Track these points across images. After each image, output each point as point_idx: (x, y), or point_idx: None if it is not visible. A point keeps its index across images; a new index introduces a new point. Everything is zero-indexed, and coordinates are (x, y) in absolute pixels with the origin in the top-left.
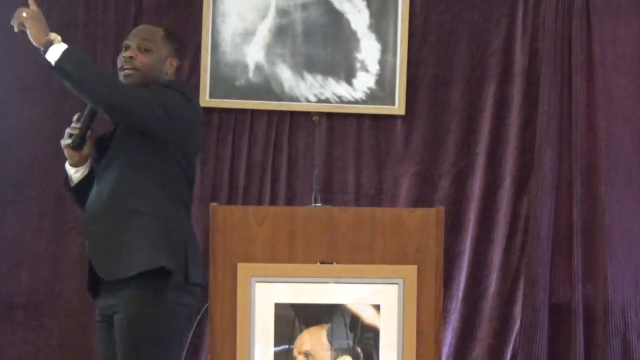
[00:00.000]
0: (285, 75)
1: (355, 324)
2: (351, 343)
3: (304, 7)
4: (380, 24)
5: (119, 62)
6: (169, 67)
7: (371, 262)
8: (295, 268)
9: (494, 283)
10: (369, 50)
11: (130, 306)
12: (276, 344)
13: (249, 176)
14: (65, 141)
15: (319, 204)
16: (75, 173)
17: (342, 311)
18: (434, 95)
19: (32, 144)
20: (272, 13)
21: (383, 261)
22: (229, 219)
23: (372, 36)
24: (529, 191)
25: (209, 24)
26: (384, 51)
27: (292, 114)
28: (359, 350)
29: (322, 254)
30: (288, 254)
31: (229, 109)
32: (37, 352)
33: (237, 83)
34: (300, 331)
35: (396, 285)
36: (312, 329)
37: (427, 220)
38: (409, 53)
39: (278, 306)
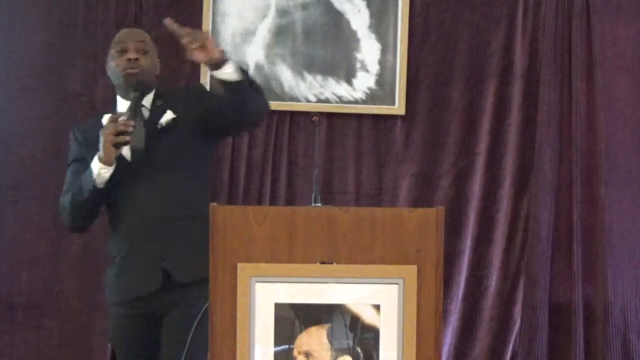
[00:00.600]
0: (285, 75)
1: (355, 324)
2: (351, 343)
3: (304, 7)
4: (380, 24)
5: (120, 64)
6: (158, 70)
7: (371, 262)
8: (295, 268)
9: (494, 283)
10: (369, 50)
11: (206, 301)
12: (276, 344)
13: (249, 176)
14: (118, 138)
15: (319, 204)
16: (106, 172)
17: (342, 311)
18: (434, 95)
19: (32, 144)
20: (272, 13)
21: (383, 261)
22: (229, 219)
23: (372, 36)
24: (529, 191)
25: (209, 24)
26: (384, 51)
27: (292, 114)
28: (359, 350)
29: (322, 254)
30: (288, 254)
31: None
32: (37, 352)
33: None
34: (300, 331)
35: (396, 285)
36: (312, 329)
37: (427, 220)
38: (409, 53)
39: (278, 306)
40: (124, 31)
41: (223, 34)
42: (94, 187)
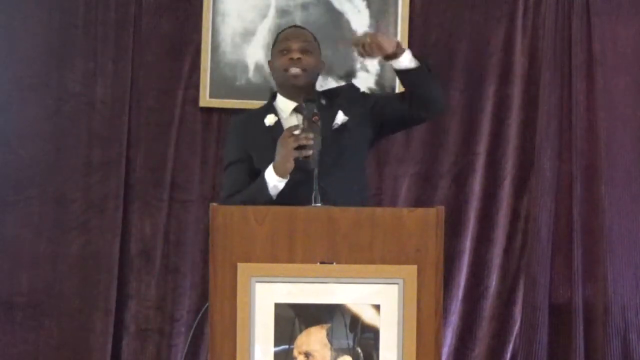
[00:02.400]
0: None
1: (355, 324)
2: (351, 343)
3: (304, 7)
4: (380, 24)
5: (283, 64)
6: (321, 70)
7: (371, 262)
8: (295, 268)
9: (494, 283)
10: None
11: None
12: (276, 344)
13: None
14: (301, 153)
15: (319, 204)
16: (281, 184)
17: (342, 311)
18: None
19: (32, 144)
20: (272, 13)
21: (383, 261)
22: (229, 219)
23: None
24: (529, 191)
25: (209, 24)
26: None
27: None
28: (359, 350)
29: (322, 254)
30: (288, 254)
31: (229, 109)
32: (37, 352)
33: (237, 83)
34: (300, 331)
35: (396, 285)
36: (312, 329)
37: (427, 220)
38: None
39: (278, 306)
40: (287, 30)
41: (223, 34)
42: (270, 198)
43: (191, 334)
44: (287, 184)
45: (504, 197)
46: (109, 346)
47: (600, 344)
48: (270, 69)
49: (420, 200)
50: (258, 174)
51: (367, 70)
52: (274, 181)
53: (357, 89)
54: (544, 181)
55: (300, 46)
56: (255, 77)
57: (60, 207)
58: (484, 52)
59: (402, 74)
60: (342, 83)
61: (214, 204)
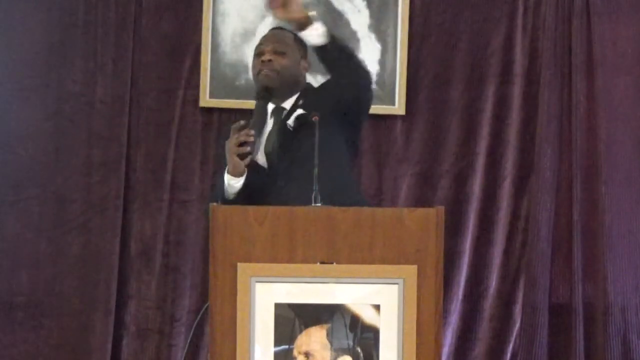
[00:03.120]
0: None
1: (355, 324)
2: (351, 343)
3: (304, 7)
4: (380, 24)
5: (255, 67)
6: (303, 69)
7: (371, 262)
8: (295, 268)
9: (494, 283)
10: (369, 50)
11: None
12: (276, 344)
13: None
14: (240, 149)
15: (319, 204)
16: (236, 183)
17: (342, 311)
18: (434, 95)
19: (32, 144)
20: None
21: (383, 261)
22: (229, 219)
23: (372, 36)
24: (529, 191)
25: (209, 24)
26: (384, 51)
27: None
28: (359, 350)
29: (322, 254)
30: (288, 254)
31: (229, 109)
32: (37, 352)
33: (237, 83)
34: (300, 331)
35: (396, 285)
36: (312, 329)
37: (427, 220)
38: (409, 53)
39: (278, 306)
40: (267, 33)
41: (223, 34)
42: (226, 198)
43: (191, 334)
44: (257, 188)
45: (504, 197)
46: (109, 346)
47: (600, 344)
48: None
49: (420, 200)
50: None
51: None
52: (227, 179)
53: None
54: (544, 181)
55: (273, 48)
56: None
57: (60, 207)
58: (484, 52)
59: (315, 50)
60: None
61: (214, 204)
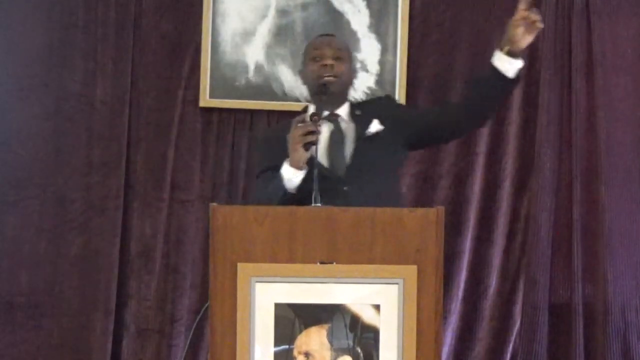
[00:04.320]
0: (285, 75)
1: (355, 324)
2: (351, 343)
3: (304, 7)
4: (380, 24)
5: (314, 71)
6: (353, 78)
7: (371, 262)
8: (295, 268)
9: (494, 283)
10: (369, 50)
11: None
12: (276, 344)
13: (249, 176)
14: (307, 138)
15: (319, 204)
16: (296, 178)
17: (342, 311)
18: (434, 95)
19: (32, 144)
20: (272, 13)
21: (383, 261)
22: (229, 219)
23: (372, 36)
24: (529, 191)
25: (209, 24)
26: (384, 51)
27: (292, 114)
28: (359, 350)
29: (322, 254)
30: (288, 254)
31: (229, 109)
32: (37, 352)
33: (237, 83)
34: (300, 331)
35: (396, 285)
36: (312, 329)
37: (427, 221)
38: (409, 53)
39: (278, 306)
40: (320, 38)
41: (223, 34)
42: (285, 192)
43: (191, 334)
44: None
45: (504, 197)
46: (109, 346)
47: (600, 344)
48: (302, 79)
49: (420, 200)
50: None
51: (367, 70)
52: (289, 174)
53: (394, 100)
54: (544, 181)
55: (333, 53)
56: (255, 77)
57: (60, 207)
58: (484, 52)
59: (497, 75)
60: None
61: (214, 204)
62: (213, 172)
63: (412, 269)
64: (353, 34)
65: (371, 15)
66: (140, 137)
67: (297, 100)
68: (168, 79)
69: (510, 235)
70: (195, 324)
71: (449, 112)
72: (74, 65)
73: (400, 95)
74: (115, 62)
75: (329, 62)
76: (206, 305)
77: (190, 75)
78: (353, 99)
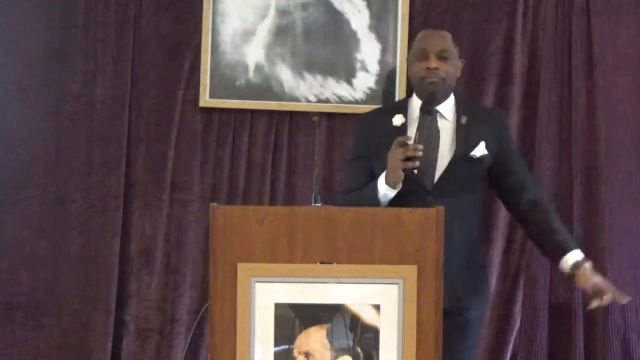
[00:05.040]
0: (285, 75)
1: (355, 324)
2: (351, 343)
3: (304, 7)
4: (380, 24)
5: (420, 72)
6: (459, 71)
7: (371, 262)
8: (295, 268)
9: (494, 283)
10: (369, 50)
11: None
12: (276, 344)
13: (249, 176)
14: (407, 164)
15: (319, 204)
16: (392, 194)
17: (342, 311)
18: None
19: (32, 144)
20: (272, 13)
21: (383, 261)
22: (229, 219)
23: (372, 36)
24: None
25: (209, 24)
26: (384, 51)
27: (292, 114)
28: (359, 350)
29: (322, 254)
30: (288, 254)
31: (229, 109)
32: (37, 352)
33: (237, 83)
34: (300, 331)
35: (396, 285)
36: (312, 329)
37: (427, 220)
38: (409, 53)
39: (278, 306)
40: (426, 33)
41: (223, 34)
42: (379, 206)
43: (191, 334)
44: (398, 193)
45: None
46: (109, 346)
47: (600, 344)
48: (408, 70)
49: None
50: (374, 172)
51: (367, 70)
52: (384, 190)
53: (506, 126)
54: (544, 181)
55: (438, 53)
56: (255, 77)
57: (60, 207)
58: (484, 52)
59: (553, 259)
60: (342, 83)
61: (214, 204)
62: (213, 172)
63: (412, 269)
64: (353, 34)
65: (371, 15)
66: (140, 137)
67: (297, 100)
68: (168, 79)
69: (510, 236)
70: (195, 324)
71: (519, 198)
72: (74, 65)
73: (400, 96)
74: (115, 62)
75: (434, 64)
76: (206, 305)
77: (190, 75)
78: (462, 98)
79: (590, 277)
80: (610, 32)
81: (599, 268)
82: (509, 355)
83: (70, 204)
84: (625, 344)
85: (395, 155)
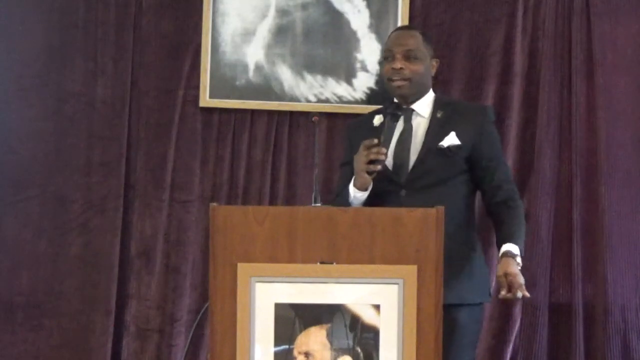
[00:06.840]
0: (285, 75)
1: (355, 324)
2: (351, 343)
3: (304, 7)
4: (380, 24)
5: (386, 72)
6: (432, 69)
7: (371, 262)
8: (295, 268)
9: (494, 283)
10: (369, 50)
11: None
12: (276, 344)
13: (249, 176)
14: (370, 167)
15: (319, 204)
16: (362, 196)
17: (342, 311)
18: None
19: (32, 144)
20: (272, 13)
21: (383, 261)
22: (229, 219)
23: (372, 36)
24: (529, 191)
25: (209, 24)
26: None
27: (292, 114)
28: (359, 350)
29: (322, 254)
30: (288, 254)
31: (229, 109)
32: (37, 352)
33: (237, 83)
34: (300, 331)
35: (396, 285)
36: (312, 329)
37: (427, 220)
38: None
39: (278, 306)
40: (394, 34)
41: (223, 34)
42: (352, 205)
43: (191, 334)
44: (373, 193)
45: None
46: (109, 346)
47: (600, 344)
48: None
49: None
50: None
51: (367, 70)
52: (354, 192)
53: (487, 117)
54: (544, 181)
55: (404, 52)
56: (255, 77)
57: (60, 207)
58: (484, 52)
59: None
60: (342, 83)
61: (214, 204)
62: (213, 172)
63: (412, 269)
64: (353, 34)
65: (371, 15)
66: (140, 137)
67: (297, 100)
68: (168, 79)
69: None
70: (195, 324)
71: (490, 189)
72: (74, 65)
73: None
74: (115, 62)
75: (399, 65)
76: (206, 305)
77: (190, 76)
78: (441, 96)
79: (506, 267)
80: (610, 32)
81: (598, 268)
82: (509, 355)
83: (70, 204)
84: (625, 344)
85: (359, 159)
